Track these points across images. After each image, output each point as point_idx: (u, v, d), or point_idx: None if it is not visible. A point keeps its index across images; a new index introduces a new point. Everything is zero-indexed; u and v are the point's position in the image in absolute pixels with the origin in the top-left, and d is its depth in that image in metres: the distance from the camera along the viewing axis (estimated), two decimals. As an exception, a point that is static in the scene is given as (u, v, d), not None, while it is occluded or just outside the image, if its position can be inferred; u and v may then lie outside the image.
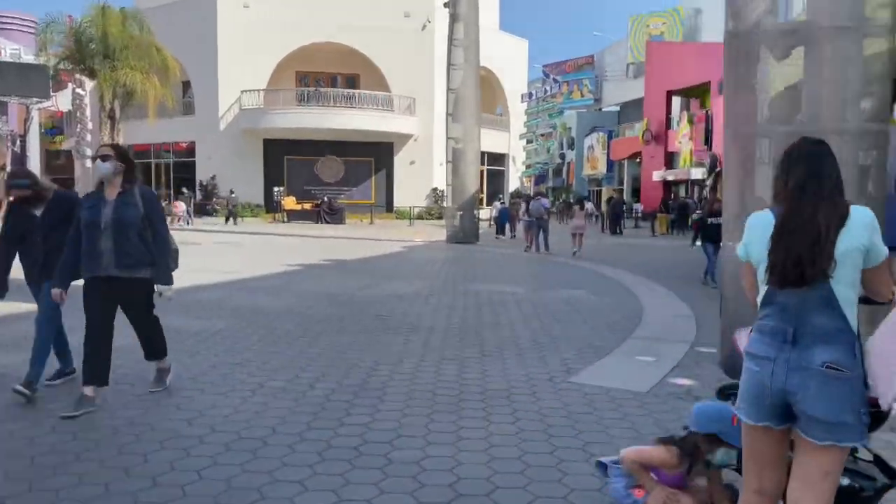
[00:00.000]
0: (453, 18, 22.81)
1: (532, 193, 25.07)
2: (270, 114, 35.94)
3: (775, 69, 6.24)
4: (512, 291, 10.95)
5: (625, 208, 34.10)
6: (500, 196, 24.45)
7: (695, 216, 30.21)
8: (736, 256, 2.67)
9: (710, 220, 12.10)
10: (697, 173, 35.84)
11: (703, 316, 8.70)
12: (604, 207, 34.83)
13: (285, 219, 33.09)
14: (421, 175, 38.57)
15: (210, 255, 16.83)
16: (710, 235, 11.75)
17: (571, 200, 39.67)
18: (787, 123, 6.31)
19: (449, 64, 22.81)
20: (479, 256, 17.62)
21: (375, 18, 36.60)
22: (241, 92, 36.33)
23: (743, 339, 2.86)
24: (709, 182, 30.29)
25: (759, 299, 2.49)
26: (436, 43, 36.33)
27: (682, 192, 38.33)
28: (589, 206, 38.22)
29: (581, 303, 9.85)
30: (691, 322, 8.41)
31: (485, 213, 27.37)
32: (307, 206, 33.80)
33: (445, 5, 23.69)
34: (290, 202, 34.13)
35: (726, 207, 6.44)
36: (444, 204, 25.66)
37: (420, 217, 37.06)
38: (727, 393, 3.27)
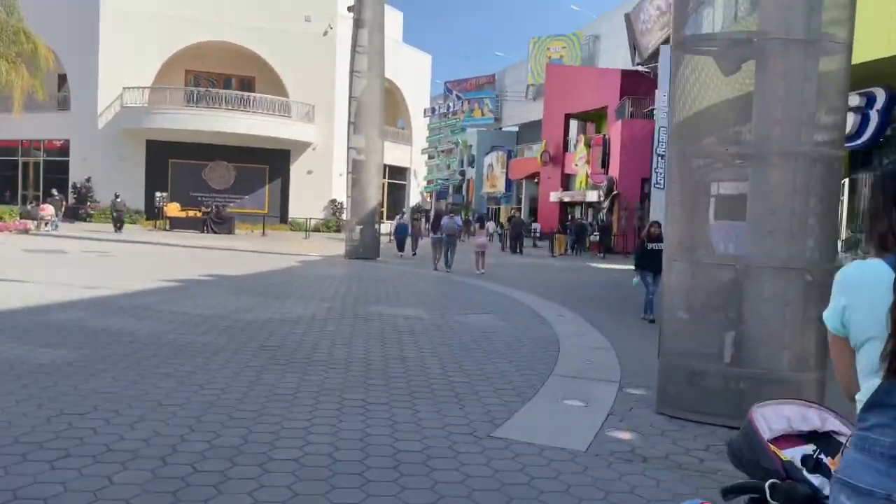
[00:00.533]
0: (357, 24, 21.78)
1: (446, 210, 23.87)
2: (155, 113, 33.48)
3: (723, 83, 5.64)
4: (418, 316, 10.00)
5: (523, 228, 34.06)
6: (404, 211, 23.42)
7: (592, 238, 30.63)
8: (827, 324, 1.75)
9: (649, 246, 10.64)
10: (593, 196, 36.36)
11: (621, 349, 8.07)
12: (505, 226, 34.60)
13: (167, 227, 30.77)
14: (319, 185, 37.09)
15: (75, 266, 14.93)
16: (649, 263, 10.35)
17: (471, 218, 39.41)
18: (735, 143, 5.73)
19: (352, 71, 21.73)
20: (380, 274, 16.58)
21: (274, 20, 35.03)
22: (124, 88, 33.70)
23: (769, 419, 2.04)
24: (605, 204, 30.67)
25: (860, 396, 1.63)
26: (338, 50, 35.17)
27: (577, 214, 38.79)
28: (490, 224, 38.06)
29: (493, 331, 9.02)
30: (611, 356, 7.74)
31: (386, 227, 26.24)
32: (193, 213, 31.58)
33: (349, 9, 22.62)
34: (173, 209, 31.78)
35: (669, 231, 5.76)
36: (343, 217, 24.46)
37: (317, 229, 35.54)
38: (735, 493, 2.43)
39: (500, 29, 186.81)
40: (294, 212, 36.45)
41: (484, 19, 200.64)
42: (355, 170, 21.71)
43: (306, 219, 33.64)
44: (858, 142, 9.95)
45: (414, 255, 22.26)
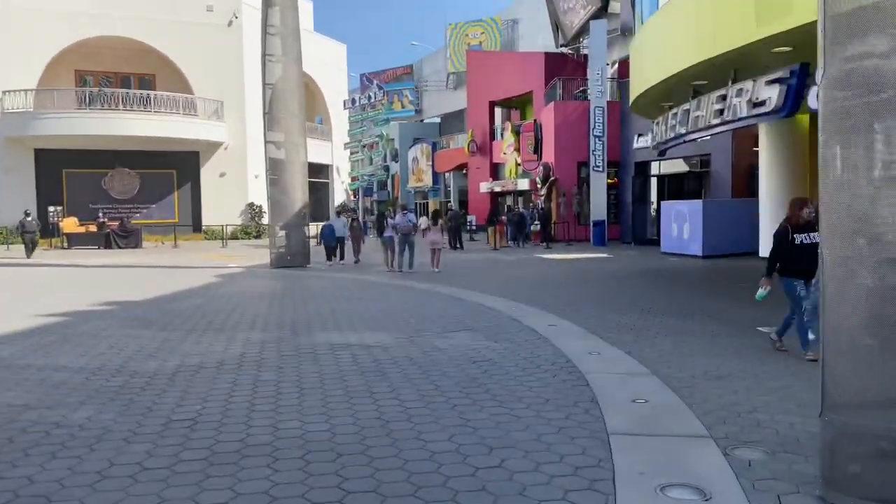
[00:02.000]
0: (267, 2, 19.02)
1: (401, 206, 20.99)
2: (42, 118, 29.55)
3: None
4: (382, 344, 7.62)
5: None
6: (339, 210, 20.70)
7: (533, 228, 28.81)
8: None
9: (798, 239, 6.72)
10: (525, 184, 34.65)
11: (660, 371, 5.99)
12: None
13: (65, 244, 27.05)
14: (234, 188, 33.88)
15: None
16: (800, 266, 6.73)
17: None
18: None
19: (264, 55, 18.96)
20: (318, 286, 14.04)
21: (173, 12, 31.58)
22: (3, 92, 29.58)
23: None
24: (543, 192, 28.90)
25: None
26: (245, 40, 32.03)
27: (513, 203, 36.99)
28: (422, 219, 35.71)
29: (487, 359, 6.76)
30: (660, 386, 5.63)
31: (315, 229, 23.53)
32: (93, 227, 27.92)
33: (257, -13, 19.83)
34: (70, 224, 28.03)
35: (832, 214, 3.59)
36: (264, 221, 21.57)
37: (235, 237, 32.42)
38: None
39: (413, 17, 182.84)
40: (208, 219, 33.16)
41: (395, 9, 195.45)
42: (275, 168, 18.99)
43: (222, 226, 30.51)
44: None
45: (357, 262, 19.27)
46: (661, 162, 25.89)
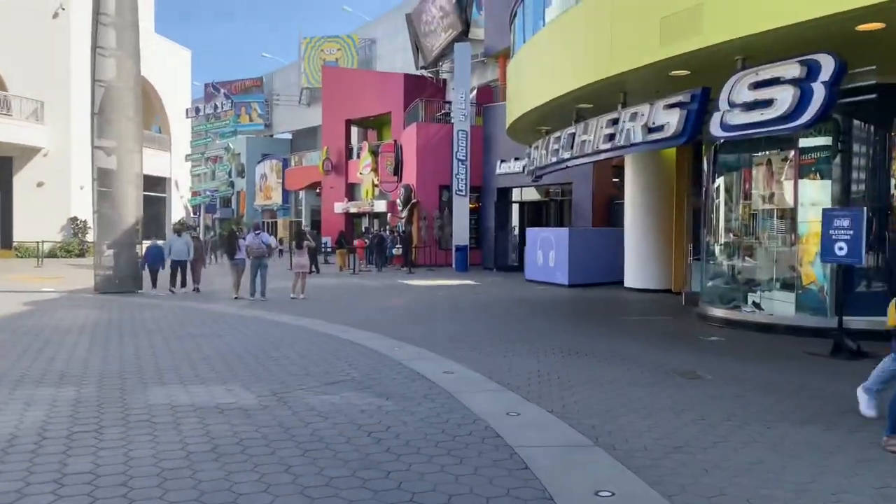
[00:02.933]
0: (100, -12, 16.40)
1: (253, 225, 17.78)
2: None
3: None
4: (240, 405, 5.85)
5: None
6: (182, 224, 17.86)
7: (395, 252, 27.49)
8: None
9: None
10: (381, 205, 33.40)
11: (611, 444, 4.81)
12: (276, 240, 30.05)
13: None
14: (54, 200, 29.70)
15: None
16: None
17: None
18: None
19: (95, 47, 16.28)
20: (152, 318, 11.76)
21: (-17, -6, 27.29)
22: None
23: None
24: (404, 214, 27.73)
25: None
26: (73, 34, 28.34)
27: (370, 224, 35.52)
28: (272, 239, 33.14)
29: (382, 426, 5.24)
30: (614, 464, 4.43)
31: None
32: None
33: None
34: None
35: None
36: (90, 238, 18.50)
37: (53, 255, 28.31)
38: None
39: (265, 29, 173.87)
40: (21, 234, 28.82)
41: (245, 19, 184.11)
42: (105, 178, 16.31)
43: (38, 242, 26.46)
44: (797, 122, 7.87)
45: (196, 289, 16.35)
46: (523, 189, 25.65)
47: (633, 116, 10.10)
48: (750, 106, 8.28)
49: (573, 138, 11.84)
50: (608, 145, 10.74)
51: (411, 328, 10.61)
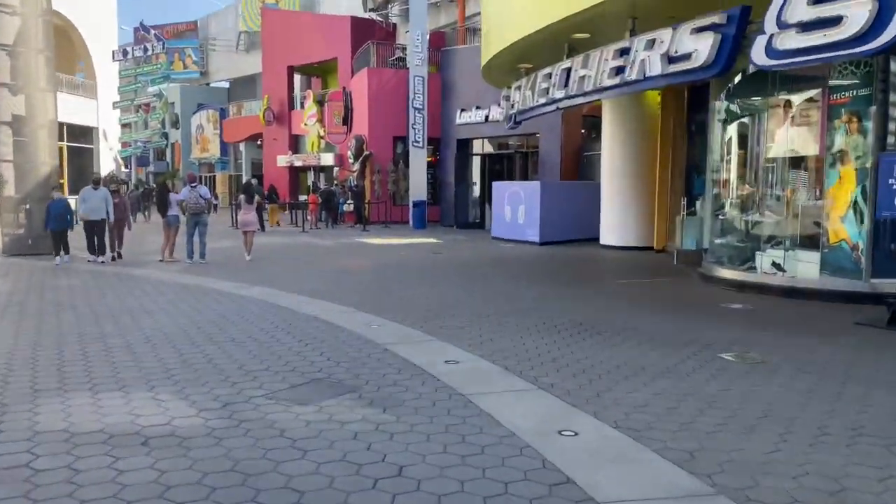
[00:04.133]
0: None
1: (188, 177, 13.94)
2: None
3: None
4: (178, 427, 4.00)
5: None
6: (111, 178, 14.90)
7: (346, 208, 25.42)
8: None
9: None
10: (329, 158, 31.11)
11: (724, 481, 3.20)
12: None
13: None
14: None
15: None
16: None
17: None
18: None
19: (-10, -37, 13.53)
20: (65, 286, 9.63)
21: None
22: None
23: None
24: (355, 167, 25.58)
25: None
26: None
27: (315, 178, 33.15)
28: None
29: (391, 469, 3.52)
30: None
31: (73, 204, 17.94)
32: None
33: None
34: None
35: None
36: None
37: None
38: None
39: None
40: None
41: None
42: (15, 123, 13.75)
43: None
44: (872, 46, 6.32)
45: (116, 258, 13.09)
46: (485, 141, 23.84)
47: (651, 44, 8.39)
48: (809, 26, 6.68)
49: (568, 74, 10.08)
50: (614, 80, 9.04)
51: (383, 297, 8.84)
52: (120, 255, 13.37)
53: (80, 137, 32.75)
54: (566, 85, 10.06)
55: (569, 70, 10.06)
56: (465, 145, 23.92)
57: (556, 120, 19.46)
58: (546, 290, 9.74)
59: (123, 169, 34.40)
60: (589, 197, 17.25)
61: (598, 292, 9.67)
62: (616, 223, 15.72)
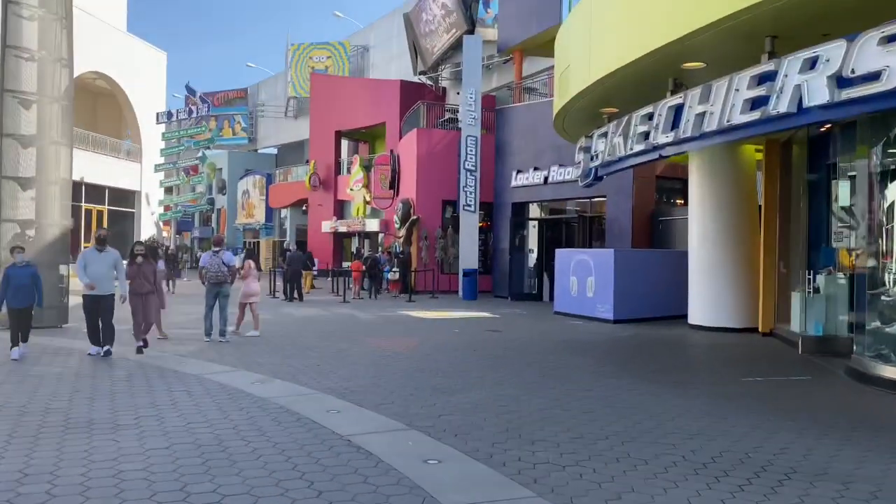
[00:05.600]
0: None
1: (214, 240, 11.61)
2: None
3: None
4: None
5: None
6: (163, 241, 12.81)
7: (391, 276, 23.31)
8: None
9: None
10: (374, 224, 29.29)
11: None
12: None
13: None
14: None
15: None
16: None
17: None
18: None
19: (7, 2, 12.13)
20: (57, 373, 7.50)
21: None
22: None
23: None
24: (401, 233, 23.57)
25: None
26: None
27: (360, 245, 31.31)
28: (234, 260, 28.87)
29: None
30: None
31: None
32: None
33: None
34: None
35: None
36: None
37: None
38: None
39: (251, 39, 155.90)
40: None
41: (230, 27, 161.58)
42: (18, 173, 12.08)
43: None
44: None
45: (141, 349, 9.35)
46: (542, 205, 21.64)
47: (810, 65, 6.08)
48: None
49: (677, 113, 7.81)
50: (750, 115, 6.72)
51: (438, 402, 6.44)
52: (146, 344, 9.49)
53: (121, 201, 31.80)
54: (675, 126, 7.77)
55: (678, 107, 7.79)
56: (520, 210, 21.73)
57: (626, 181, 17.19)
58: (657, 393, 7.19)
59: (165, 232, 33.21)
60: (672, 268, 14.74)
61: (726, 397, 7.07)
62: (709, 300, 13.11)
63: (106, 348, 9.05)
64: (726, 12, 6.54)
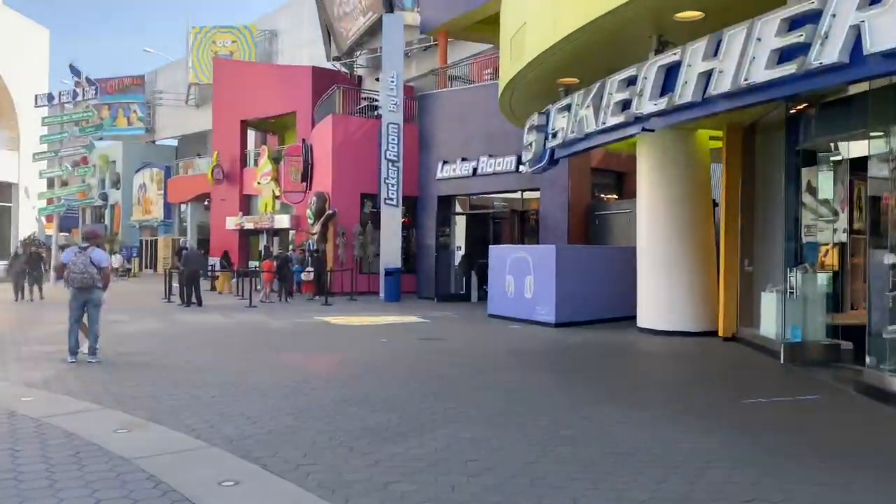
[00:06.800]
0: None
1: (85, 233, 8.75)
2: None
3: None
4: None
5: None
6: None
7: (304, 277, 21.01)
8: None
9: None
10: (284, 220, 26.89)
11: None
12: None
13: None
14: None
15: None
16: None
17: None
18: None
19: None
20: None
21: None
22: None
23: None
24: (316, 229, 21.33)
25: None
26: None
27: (268, 243, 28.72)
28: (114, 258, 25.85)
29: None
30: None
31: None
32: None
33: None
34: None
35: None
36: None
37: None
38: None
39: (149, 22, 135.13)
40: None
41: (128, 10, 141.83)
42: None
43: None
44: None
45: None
46: (470, 199, 20.01)
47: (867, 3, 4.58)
48: None
49: (669, 73, 6.22)
50: (784, 69, 5.18)
51: (382, 454, 4.54)
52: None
53: (-7, 194, 27.82)
54: (669, 90, 6.17)
55: (672, 67, 6.19)
56: (447, 204, 19.99)
57: (561, 173, 15.75)
58: (658, 425, 5.56)
59: (47, 228, 29.38)
60: (618, 265, 13.39)
61: (745, 432, 5.52)
62: (661, 301, 11.76)
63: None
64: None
